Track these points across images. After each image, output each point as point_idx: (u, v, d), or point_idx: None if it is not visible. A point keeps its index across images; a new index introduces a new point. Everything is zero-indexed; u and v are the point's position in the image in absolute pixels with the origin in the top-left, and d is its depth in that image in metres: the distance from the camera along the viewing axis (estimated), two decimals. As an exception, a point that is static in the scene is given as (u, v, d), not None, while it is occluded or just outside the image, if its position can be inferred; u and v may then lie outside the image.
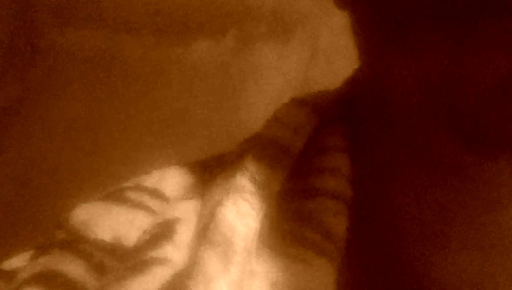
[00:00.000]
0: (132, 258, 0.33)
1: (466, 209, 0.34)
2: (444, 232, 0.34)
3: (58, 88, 0.94)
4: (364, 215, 0.35)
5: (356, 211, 0.34)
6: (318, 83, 0.91)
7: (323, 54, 0.95)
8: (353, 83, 0.38)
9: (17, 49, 0.93)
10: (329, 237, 0.33)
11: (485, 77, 0.29)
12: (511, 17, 0.28)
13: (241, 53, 0.96)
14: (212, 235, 0.31)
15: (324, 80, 0.92)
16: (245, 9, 0.96)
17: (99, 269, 0.33)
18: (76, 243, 0.34)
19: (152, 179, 0.36)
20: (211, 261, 0.31)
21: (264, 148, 0.35)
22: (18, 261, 0.35)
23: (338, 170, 0.35)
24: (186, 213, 0.34)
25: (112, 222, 0.34)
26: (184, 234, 0.33)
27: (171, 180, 0.36)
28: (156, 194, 0.36)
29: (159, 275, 0.31)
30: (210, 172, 0.36)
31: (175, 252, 0.32)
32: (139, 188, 0.36)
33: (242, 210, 0.32)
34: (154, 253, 0.32)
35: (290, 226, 0.33)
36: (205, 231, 0.32)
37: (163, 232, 0.33)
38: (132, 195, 0.35)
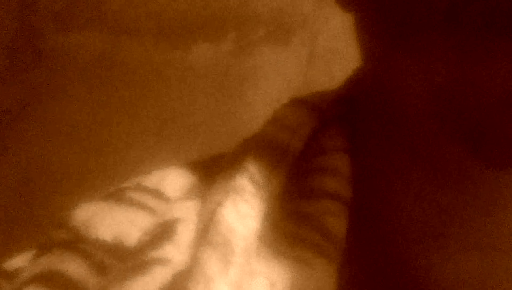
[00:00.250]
0: (133, 258, 0.33)
1: (466, 210, 0.34)
2: (444, 232, 0.34)
3: (60, 90, 0.94)
4: (364, 215, 0.35)
5: (356, 212, 0.34)
6: (316, 84, 0.91)
7: (321, 56, 0.95)
8: (354, 84, 0.38)
9: (20, 52, 0.93)
10: (329, 237, 0.33)
11: (494, 87, 0.29)
12: None
13: (240, 55, 0.96)
14: (212, 236, 0.31)
15: (322, 82, 0.92)
16: (244, 13, 0.96)
17: (100, 269, 0.33)
18: (77, 243, 0.34)
19: (153, 179, 0.36)
20: (210, 261, 0.31)
21: (263, 148, 0.35)
22: (19, 261, 0.35)
23: (337, 171, 0.35)
24: (187, 213, 0.34)
25: (113, 222, 0.34)
26: (185, 234, 0.33)
27: (172, 180, 0.36)
28: (156, 194, 0.36)
29: (160, 275, 0.31)
30: (210, 172, 0.36)
31: (175, 252, 0.32)
32: (140, 188, 0.36)
33: (242, 211, 0.32)
34: (154, 253, 0.32)
35: (290, 226, 0.33)
36: (205, 232, 0.32)
37: (163, 232, 0.33)
38: (133, 195, 0.35)
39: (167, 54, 0.96)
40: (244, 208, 0.32)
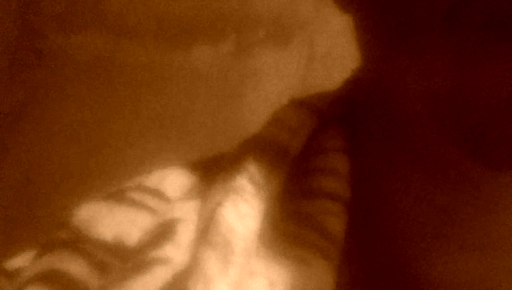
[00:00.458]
0: (133, 258, 0.33)
1: (466, 210, 0.34)
2: (443, 232, 0.34)
3: (61, 92, 0.94)
4: (363, 216, 0.35)
5: (356, 212, 0.34)
6: (316, 85, 0.91)
7: (321, 58, 0.96)
8: (353, 84, 0.38)
9: (22, 54, 0.93)
10: (328, 237, 0.33)
11: (494, 89, 0.29)
12: None
13: (240, 56, 0.96)
14: (212, 236, 0.31)
15: (322, 83, 0.92)
16: (244, 15, 0.96)
17: (101, 268, 0.33)
18: (78, 243, 0.34)
19: (153, 179, 0.36)
20: (210, 261, 0.31)
21: (263, 149, 0.35)
22: (20, 261, 0.35)
23: (337, 171, 0.35)
24: (187, 213, 0.34)
25: (113, 222, 0.34)
26: (185, 234, 0.33)
27: (172, 180, 0.36)
28: (157, 194, 0.36)
29: (160, 275, 0.32)
30: (210, 172, 0.36)
31: (175, 252, 0.32)
32: (141, 188, 0.36)
33: (242, 211, 0.32)
34: (155, 253, 0.32)
35: (289, 226, 0.33)
36: (205, 232, 0.32)
37: (164, 232, 0.33)
38: (133, 195, 0.35)
39: (167, 55, 0.96)
40: (244, 208, 0.32)
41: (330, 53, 0.95)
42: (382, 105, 0.35)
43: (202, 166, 0.37)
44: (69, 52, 0.94)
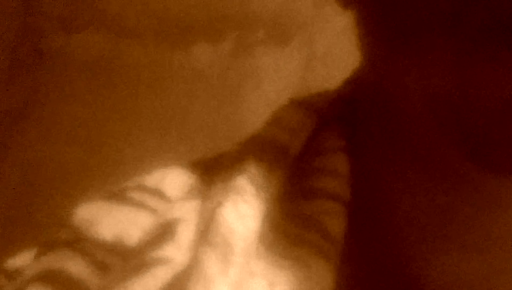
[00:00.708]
0: (134, 258, 0.33)
1: (465, 211, 0.34)
2: (443, 233, 0.34)
3: (61, 91, 0.94)
4: (363, 216, 0.35)
5: (355, 212, 0.34)
6: (316, 85, 0.91)
7: (320, 58, 0.96)
8: (353, 84, 0.38)
9: (23, 54, 0.93)
10: (328, 237, 0.33)
11: (493, 92, 0.29)
12: None
13: (240, 57, 0.97)
14: (212, 236, 0.31)
15: (321, 83, 0.92)
16: (244, 15, 0.96)
17: (101, 268, 0.33)
18: (78, 243, 0.34)
19: (154, 179, 0.36)
20: (210, 262, 0.31)
21: (263, 149, 0.35)
22: (20, 261, 0.36)
23: (337, 171, 0.35)
24: (187, 214, 0.34)
25: (113, 222, 0.34)
26: (185, 234, 0.33)
27: (172, 180, 0.36)
28: (157, 194, 0.36)
29: (160, 275, 0.32)
30: (210, 172, 0.36)
31: (176, 252, 0.32)
32: (141, 188, 0.36)
33: (242, 211, 0.32)
34: (155, 253, 0.32)
35: (289, 227, 0.33)
36: (205, 232, 0.32)
37: (164, 232, 0.33)
38: (133, 195, 0.35)
39: (168, 54, 0.96)
40: (244, 208, 0.32)
41: (330, 53, 0.95)
42: (382, 105, 0.35)
43: (202, 166, 0.37)
44: (70, 52, 0.94)
